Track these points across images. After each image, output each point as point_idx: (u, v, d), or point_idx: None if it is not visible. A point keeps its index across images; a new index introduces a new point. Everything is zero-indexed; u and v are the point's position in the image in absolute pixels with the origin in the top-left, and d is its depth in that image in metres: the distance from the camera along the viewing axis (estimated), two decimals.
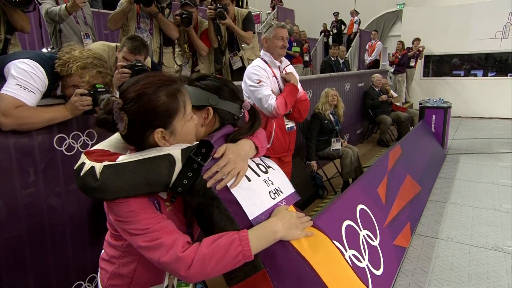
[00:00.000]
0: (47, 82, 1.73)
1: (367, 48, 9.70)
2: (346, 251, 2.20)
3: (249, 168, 1.09)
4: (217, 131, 1.13)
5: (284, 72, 2.64)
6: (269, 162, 1.22)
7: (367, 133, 6.98)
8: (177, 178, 0.96)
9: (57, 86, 1.83)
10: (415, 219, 3.44)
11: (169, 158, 0.97)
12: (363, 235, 2.47)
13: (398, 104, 6.68)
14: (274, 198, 1.07)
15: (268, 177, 1.11)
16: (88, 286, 2.12)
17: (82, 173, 0.94)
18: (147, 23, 3.19)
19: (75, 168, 0.98)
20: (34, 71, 1.69)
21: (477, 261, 2.79)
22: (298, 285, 0.97)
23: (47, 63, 1.75)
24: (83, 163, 0.97)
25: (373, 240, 2.54)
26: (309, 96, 4.70)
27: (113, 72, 1.91)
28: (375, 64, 9.34)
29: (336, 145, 4.13)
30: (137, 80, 1.00)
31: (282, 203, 1.09)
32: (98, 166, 0.94)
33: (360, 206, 2.62)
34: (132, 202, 0.96)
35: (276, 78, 2.60)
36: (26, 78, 1.67)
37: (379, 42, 9.50)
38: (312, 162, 4.08)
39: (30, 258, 1.87)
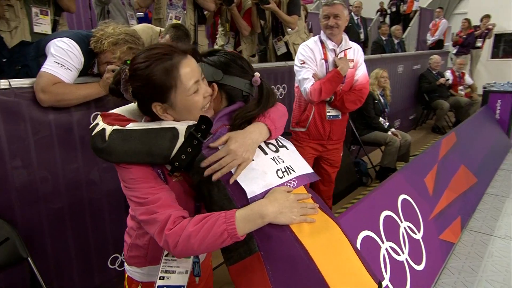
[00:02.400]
0: (83, 60, 1.78)
1: (430, 27, 8.94)
2: (383, 243, 2.09)
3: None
4: (224, 108, 1.09)
5: (339, 56, 2.45)
6: (285, 142, 1.16)
7: (421, 119, 6.55)
8: (177, 152, 0.95)
9: (93, 63, 1.88)
10: (467, 213, 3.17)
11: (173, 131, 0.97)
12: (404, 227, 2.32)
13: (470, 93, 6.11)
14: (281, 177, 1.02)
15: (278, 156, 1.06)
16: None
17: (93, 133, 0.98)
18: None
19: (90, 127, 1.02)
20: (70, 49, 1.74)
21: None
22: (291, 270, 0.92)
23: (83, 41, 1.80)
24: (97, 124, 1.00)
25: (415, 233, 2.38)
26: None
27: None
28: (438, 44, 8.55)
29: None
30: (140, 53, 1.00)
31: (291, 182, 1.03)
32: (109, 129, 0.97)
33: (402, 196, 2.45)
34: (134, 169, 0.98)
35: (327, 61, 2.44)
36: (63, 56, 1.73)
37: (443, 20, 8.65)
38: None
39: (71, 229, 1.99)
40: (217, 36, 3.77)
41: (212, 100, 1.09)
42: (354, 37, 6.27)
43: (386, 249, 2.09)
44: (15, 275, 1.77)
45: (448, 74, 6.24)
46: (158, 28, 2.45)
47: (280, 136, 1.16)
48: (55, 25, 2.63)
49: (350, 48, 2.49)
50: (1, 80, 1.67)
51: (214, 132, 1.00)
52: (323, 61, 2.43)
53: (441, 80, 5.93)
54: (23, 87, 1.72)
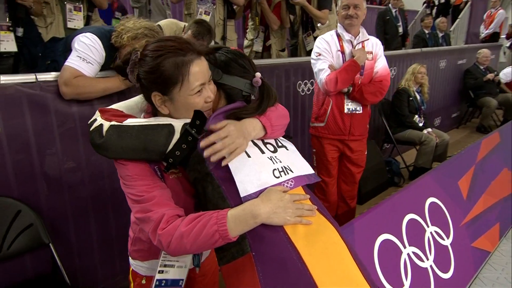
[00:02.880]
0: (104, 54, 1.83)
1: (484, 18, 8.24)
2: (404, 247, 1.99)
3: (252, 145, 1.02)
4: (222, 107, 1.07)
5: (356, 47, 2.40)
6: (286, 142, 1.13)
7: (465, 118, 6.17)
8: (171, 148, 0.95)
9: (115, 57, 1.93)
10: (507, 220, 2.95)
11: (169, 128, 0.97)
12: (431, 232, 2.20)
13: None
14: (278, 177, 0.99)
15: (276, 155, 1.03)
16: None
17: (91, 128, 1.00)
18: None
19: (88, 122, 1.03)
20: (92, 44, 1.80)
21: None
22: (282, 273, 0.89)
23: (105, 36, 1.85)
24: (95, 119, 1.01)
25: (443, 239, 2.25)
26: (393, 74, 4.29)
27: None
28: (493, 37, 7.84)
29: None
30: (155, 41, 1.00)
31: (288, 183, 1.00)
32: (106, 125, 0.98)
33: (430, 200, 2.32)
34: (131, 166, 0.98)
35: (343, 53, 2.39)
36: (86, 51, 1.79)
37: (501, 11, 7.84)
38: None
39: (93, 217, 2.07)
40: (247, 30, 3.75)
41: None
42: (392, 31, 5.99)
43: (408, 255, 1.98)
44: (42, 259, 1.87)
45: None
46: (182, 23, 2.48)
47: (281, 138, 1.13)
48: (88, 21, 2.73)
49: (368, 39, 2.45)
50: (28, 74, 1.76)
51: (210, 129, 0.98)
52: (340, 52, 2.39)
53: (489, 76, 5.53)
54: (49, 81, 1.80)
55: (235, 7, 3.34)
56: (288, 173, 1.02)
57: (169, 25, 2.48)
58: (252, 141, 1.03)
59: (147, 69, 0.98)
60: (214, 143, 0.96)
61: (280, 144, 1.09)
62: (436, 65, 5.11)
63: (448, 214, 2.39)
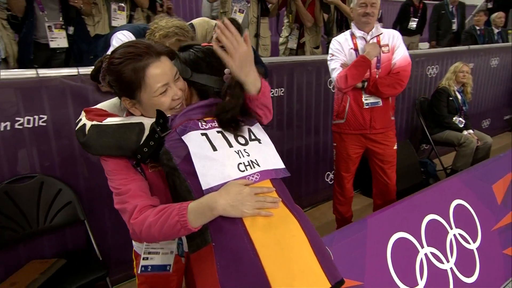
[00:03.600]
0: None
1: None
2: (422, 247, 1.97)
3: (221, 138, 1.06)
4: (191, 104, 1.12)
5: (370, 42, 2.41)
6: (260, 135, 1.14)
7: None
8: (140, 145, 1.02)
9: None
10: None
11: (140, 126, 1.04)
12: (454, 234, 2.15)
13: None
14: (243, 171, 1.02)
15: (244, 149, 1.06)
16: None
17: (76, 128, 1.10)
18: None
19: (76, 121, 1.13)
20: (127, 40, 1.97)
21: None
22: (236, 264, 0.93)
23: (140, 34, 2.01)
24: (81, 119, 1.11)
25: (468, 243, 2.18)
26: (435, 73, 4.14)
27: (197, 41, 2.05)
28: None
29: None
30: (119, 47, 1.08)
31: (253, 176, 1.03)
32: (88, 124, 1.06)
33: (457, 202, 2.26)
34: (111, 162, 1.07)
35: (357, 50, 2.43)
36: None
37: None
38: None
39: None
40: (282, 28, 3.81)
41: (183, 99, 1.13)
42: (445, 27, 5.73)
43: (426, 255, 1.96)
44: (79, 234, 2.09)
45: None
46: (213, 22, 2.58)
47: (256, 129, 1.15)
48: (130, 19, 2.96)
49: (382, 33, 2.44)
50: (71, 68, 1.97)
51: (176, 126, 1.04)
52: (352, 50, 2.43)
53: None
54: (88, 74, 1.99)
55: (269, 5, 3.42)
56: (254, 167, 1.04)
57: (201, 23, 2.59)
58: (223, 134, 1.06)
59: (112, 77, 1.06)
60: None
61: (253, 137, 1.11)
62: (486, 63, 4.83)
63: (477, 218, 2.31)
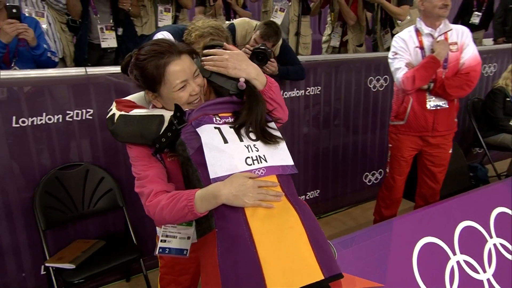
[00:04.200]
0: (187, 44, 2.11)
1: None
2: (454, 254, 1.89)
3: (233, 132, 1.13)
4: (209, 100, 1.21)
5: (438, 39, 2.28)
6: (274, 133, 1.19)
7: None
8: (159, 135, 1.12)
9: None
10: None
11: (161, 118, 1.13)
12: (494, 244, 2.03)
13: None
14: (250, 164, 1.09)
15: (254, 144, 1.13)
16: None
17: (107, 116, 1.22)
18: None
19: (108, 110, 1.25)
20: None
21: None
22: (233, 248, 0.99)
23: (178, 34, 2.13)
24: (111, 109, 1.23)
25: (510, 253, 2.04)
26: (492, 71, 3.87)
27: (229, 41, 2.13)
28: None
29: None
30: (145, 45, 1.19)
31: (259, 171, 1.09)
32: (117, 114, 1.17)
33: (499, 209, 2.13)
34: (134, 149, 1.18)
35: (423, 48, 2.30)
36: None
37: None
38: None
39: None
40: (326, 26, 3.79)
41: (202, 95, 1.22)
42: None
43: (458, 262, 1.88)
44: (120, 220, 2.27)
45: None
46: (254, 22, 2.63)
47: (272, 126, 1.20)
48: (175, 20, 3.12)
49: (451, 30, 2.31)
50: (115, 66, 2.15)
51: (192, 119, 1.12)
52: (418, 49, 2.31)
53: None
54: None
55: (311, 4, 3.42)
56: (261, 162, 1.10)
57: (242, 24, 2.66)
58: (235, 128, 1.14)
59: (137, 72, 1.17)
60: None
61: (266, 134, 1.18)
62: None
63: None
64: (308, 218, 1.09)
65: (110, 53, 2.86)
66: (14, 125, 1.93)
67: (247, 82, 1.20)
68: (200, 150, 1.09)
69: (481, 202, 2.12)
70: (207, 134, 1.10)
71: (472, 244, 1.96)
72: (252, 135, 1.15)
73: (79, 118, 2.10)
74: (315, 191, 3.06)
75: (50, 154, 2.07)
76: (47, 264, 1.87)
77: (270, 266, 0.96)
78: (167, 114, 1.14)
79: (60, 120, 2.05)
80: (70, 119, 2.08)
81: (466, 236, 1.95)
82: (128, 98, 1.29)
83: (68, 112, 2.06)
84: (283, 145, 1.19)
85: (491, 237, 2.03)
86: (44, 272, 2.11)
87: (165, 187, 1.15)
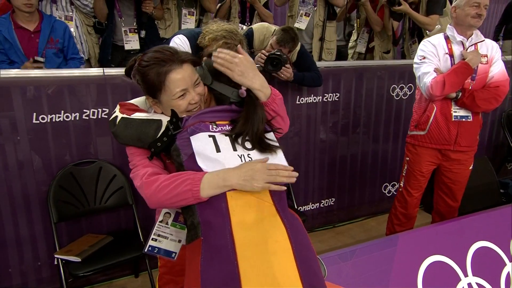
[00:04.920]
0: (190, 53, 2.16)
1: None
2: (465, 276, 1.79)
3: (227, 141, 1.13)
4: (207, 108, 1.22)
5: (468, 49, 2.20)
6: (274, 142, 1.19)
7: None
8: (155, 140, 1.15)
9: (200, 56, 2.25)
10: None
11: (158, 123, 1.16)
12: None
13: None
14: None
15: (248, 154, 1.14)
16: None
17: (110, 118, 1.27)
18: None
19: (112, 112, 1.30)
20: (181, 44, 2.15)
21: None
22: (216, 258, 0.99)
23: (194, 37, 2.17)
24: (115, 111, 1.28)
25: None
26: None
27: (243, 45, 2.13)
28: None
29: None
30: (149, 51, 1.22)
31: None
32: (119, 117, 1.21)
33: None
34: (133, 149, 1.22)
35: (452, 56, 2.21)
36: None
37: None
38: None
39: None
40: (352, 32, 3.72)
41: (202, 103, 1.24)
42: None
43: (469, 284, 1.77)
44: (130, 217, 2.34)
45: None
46: (273, 28, 2.63)
47: (268, 136, 1.20)
48: (199, 24, 3.18)
49: (483, 41, 2.22)
50: None
51: (188, 126, 1.14)
52: (447, 55, 2.22)
53: None
54: None
55: (337, 10, 3.37)
56: None
57: (260, 28, 2.67)
58: (230, 137, 1.15)
59: (139, 77, 1.21)
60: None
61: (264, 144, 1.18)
62: None
63: None
64: (296, 233, 1.08)
65: (133, 55, 2.93)
66: (34, 121, 2.05)
67: (248, 91, 1.21)
68: (193, 156, 1.11)
69: (502, 222, 1.99)
70: (200, 142, 1.12)
71: (488, 267, 1.85)
72: (248, 144, 1.16)
73: (95, 117, 2.19)
74: (330, 199, 3.00)
75: (67, 150, 2.18)
76: (56, 256, 1.96)
77: (250, 282, 0.95)
78: (165, 119, 1.18)
79: (77, 118, 2.15)
80: (87, 118, 2.17)
81: (481, 258, 1.84)
82: (131, 101, 1.33)
83: (85, 110, 2.16)
84: (279, 155, 1.18)
85: (510, 260, 1.91)
86: (56, 263, 2.21)
87: (160, 171, 1.17)
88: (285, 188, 1.11)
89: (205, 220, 1.06)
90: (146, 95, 1.26)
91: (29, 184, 2.12)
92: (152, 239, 1.30)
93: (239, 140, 1.15)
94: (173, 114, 1.14)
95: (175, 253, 1.31)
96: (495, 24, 5.21)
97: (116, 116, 1.23)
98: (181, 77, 1.17)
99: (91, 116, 2.18)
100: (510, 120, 3.44)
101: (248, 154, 1.14)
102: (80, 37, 2.79)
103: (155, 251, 1.30)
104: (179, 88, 1.17)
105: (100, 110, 2.19)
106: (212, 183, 1.05)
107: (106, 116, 2.21)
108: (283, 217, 1.08)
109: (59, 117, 2.10)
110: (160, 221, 1.31)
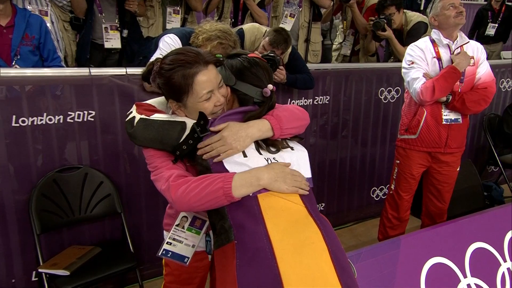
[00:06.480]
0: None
1: None
2: (464, 277, 1.89)
3: (252, 146, 1.16)
4: (231, 109, 1.24)
5: (455, 52, 2.32)
6: (293, 143, 1.24)
7: None
8: (180, 142, 1.15)
9: None
10: None
11: (183, 125, 1.17)
12: (508, 268, 2.03)
13: None
14: None
15: (274, 157, 1.17)
16: None
17: (126, 119, 1.25)
18: None
19: (127, 113, 1.28)
20: (173, 43, 2.15)
21: None
22: (253, 262, 1.01)
23: (185, 37, 2.18)
24: (131, 112, 1.26)
25: None
26: (510, 87, 3.89)
27: (237, 45, 2.15)
28: None
29: None
30: (170, 53, 1.23)
31: None
32: (137, 117, 1.20)
33: None
34: (152, 151, 1.21)
35: (440, 59, 2.33)
36: (167, 49, 2.13)
37: None
38: None
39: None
40: (337, 33, 3.83)
41: (225, 104, 1.25)
42: None
43: (469, 285, 1.88)
44: (117, 226, 2.29)
45: None
46: (264, 28, 2.66)
47: (291, 139, 1.25)
48: (184, 23, 3.17)
49: (468, 42, 2.35)
50: (120, 68, 2.19)
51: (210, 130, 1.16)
52: (435, 59, 2.32)
53: None
54: (135, 74, 2.20)
55: (323, 11, 3.47)
56: None
57: (251, 29, 2.70)
58: (256, 141, 1.17)
59: (162, 81, 1.20)
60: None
61: (285, 145, 1.22)
62: None
63: None
64: (329, 234, 1.11)
65: (113, 54, 2.91)
66: (13, 124, 1.97)
67: (272, 91, 1.25)
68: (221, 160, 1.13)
69: (495, 223, 2.12)
70: None
71: (485, 267, 1.96)
72: (273, 148, 1.19)
73: (80, 120, 2.13)
74: (320, 204, 3.07)
75: (48, 156, 2.11)
76: (40, 270, 1.88)
77: (292, 283, 0.97)
78: (189, 122, 1.18)
79: (61, 121, 2.09)
80: (71, 120, 2.11)
81: (478, 259, 1.96)
82: (148, 102, 1.32)
83: (69, 113, 2.10)
84: (302, 156, 1.23)
85: (504, 260, 2.03)
86: (36, 279, 2.13)
87: (186, 173, 1.17)
88: (308, 192, 1.16)
89: (238, 223, 1.07)
90: (170, 99, 1.25)
91: (4, 193, 2.03)
92: (167, 242, 1.31)
93: (263, 144, 1.18)
94: (201, 116, 1.15)
95: (188, 258, 1.31)
96: (468, 29, 5.54)
97: (134, 117, 1.22)
98: (207, 79, 1.18)
99: (76, 119, 2.12)
100: (492, 123, 3.65)
101: (274, 157, 1.17)
102: (56, 34, 2.69)
103: (169, 255, 1.31)
104: (206, 90, 1.18)
105: (85, 112, 2.13)
106: (244, 181, 1.07)
107: (92, 119, 2.16)
108: (316, 218, 1.12)
109: (41, 119, 2.03)
110: (177, 225, 1.32)
